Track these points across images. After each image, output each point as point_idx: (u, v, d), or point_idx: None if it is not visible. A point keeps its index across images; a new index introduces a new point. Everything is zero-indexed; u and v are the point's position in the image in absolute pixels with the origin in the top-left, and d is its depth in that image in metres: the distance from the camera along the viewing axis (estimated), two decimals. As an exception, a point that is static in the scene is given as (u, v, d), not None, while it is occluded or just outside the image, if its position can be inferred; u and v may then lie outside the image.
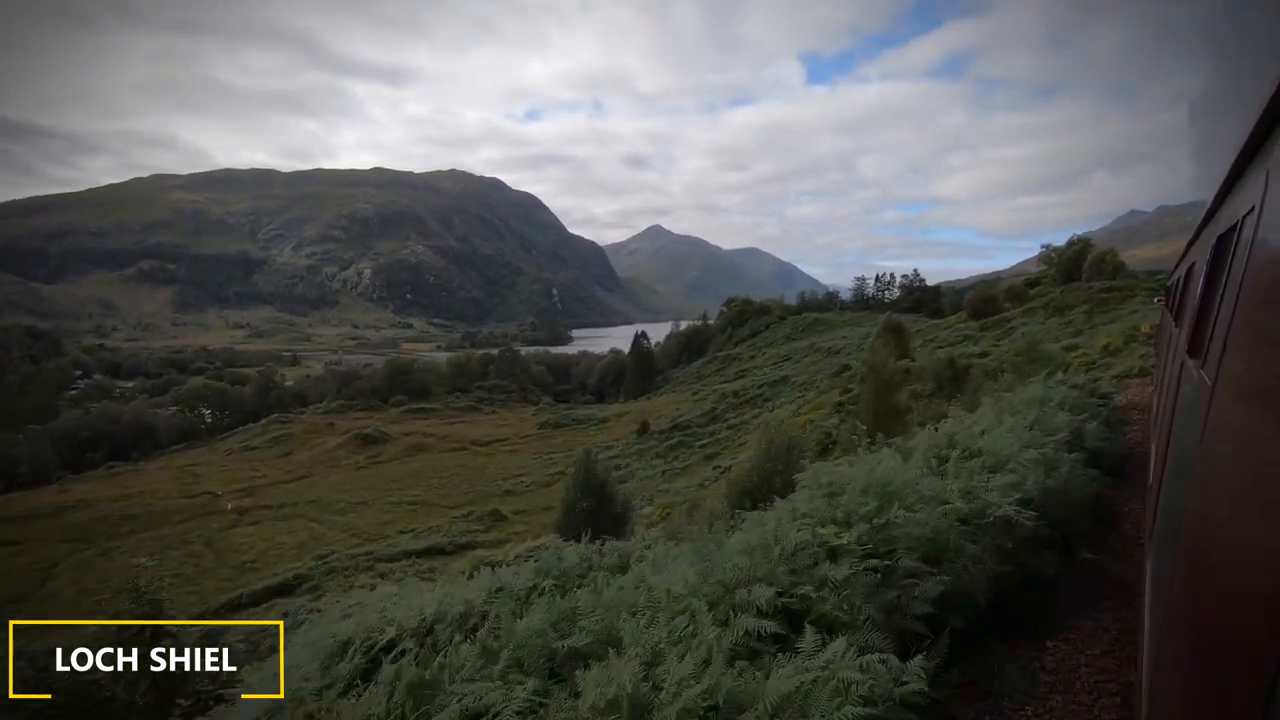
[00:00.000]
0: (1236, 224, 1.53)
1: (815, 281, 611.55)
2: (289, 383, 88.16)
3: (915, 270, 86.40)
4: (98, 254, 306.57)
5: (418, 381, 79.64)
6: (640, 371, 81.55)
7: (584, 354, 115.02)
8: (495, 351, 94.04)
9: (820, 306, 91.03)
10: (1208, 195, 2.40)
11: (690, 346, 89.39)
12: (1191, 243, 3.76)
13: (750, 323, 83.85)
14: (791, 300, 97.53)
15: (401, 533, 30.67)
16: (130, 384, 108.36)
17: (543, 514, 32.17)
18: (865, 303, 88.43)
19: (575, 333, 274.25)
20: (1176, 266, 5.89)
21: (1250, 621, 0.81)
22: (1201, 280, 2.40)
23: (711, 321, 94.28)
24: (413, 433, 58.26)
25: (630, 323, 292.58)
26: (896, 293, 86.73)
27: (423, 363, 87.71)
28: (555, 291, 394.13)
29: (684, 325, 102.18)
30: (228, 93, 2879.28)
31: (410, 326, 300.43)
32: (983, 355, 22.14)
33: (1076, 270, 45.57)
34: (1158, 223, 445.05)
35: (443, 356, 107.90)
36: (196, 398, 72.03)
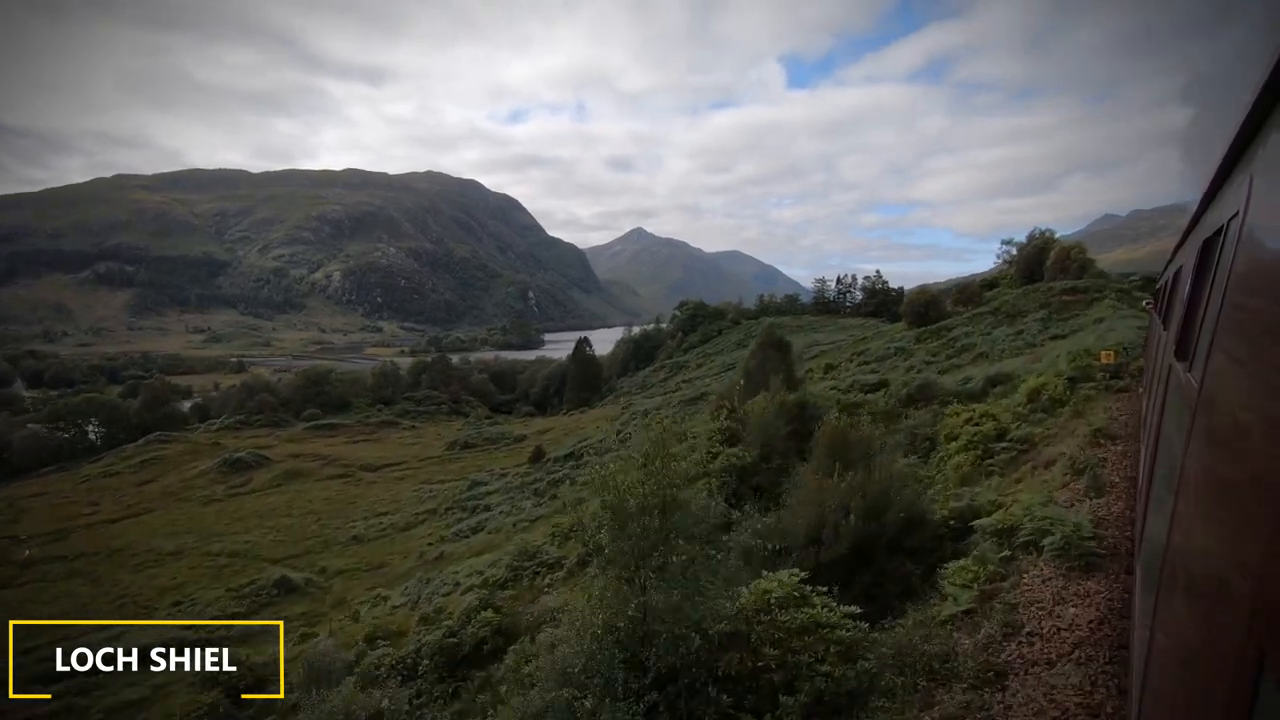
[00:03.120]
0: (1221, 228, 1.55)
1: (798, 283, 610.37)
2: (194, 396, 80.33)
3: (877, 271, 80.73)
4: (52, 256, 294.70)
5: (336, 393, 72.41)
6: (582, 381, 74.83)
7: (541, 359, 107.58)
8: (428, 359, 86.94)
9: (780, 310, 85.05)
10: (1186, 199, 2.40)
11: (639, 353, 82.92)
12: (1179, 246, 3.72)
13: (702, 328, 77.59)
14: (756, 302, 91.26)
15: (175, 604, 23.88)
16: (37, 394, 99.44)
17: (368, 575, 25.58)
18: (826, 306, 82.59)
19: (549, 336, 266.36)
20: (1165, 269, 5.78)
21: (1238, 623, 0.80)
22: (1188, 284, 2.35)
23: (665, 325, 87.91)
24: (301, 455, 51.24)
25: (609, 325, 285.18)
26: (859, 295, 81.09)
27: (342, 372, 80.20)
28: (531, 294, 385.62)
29: (635, 330, 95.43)
30: (203, 91, 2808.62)
31: (379, 330, 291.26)
32: (879, 386, 15.86)
33: (1039, 269, 39.93)
34: (1132, 226, 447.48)
35: (405, 362, 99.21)
36: (77, 413, 64.19)
